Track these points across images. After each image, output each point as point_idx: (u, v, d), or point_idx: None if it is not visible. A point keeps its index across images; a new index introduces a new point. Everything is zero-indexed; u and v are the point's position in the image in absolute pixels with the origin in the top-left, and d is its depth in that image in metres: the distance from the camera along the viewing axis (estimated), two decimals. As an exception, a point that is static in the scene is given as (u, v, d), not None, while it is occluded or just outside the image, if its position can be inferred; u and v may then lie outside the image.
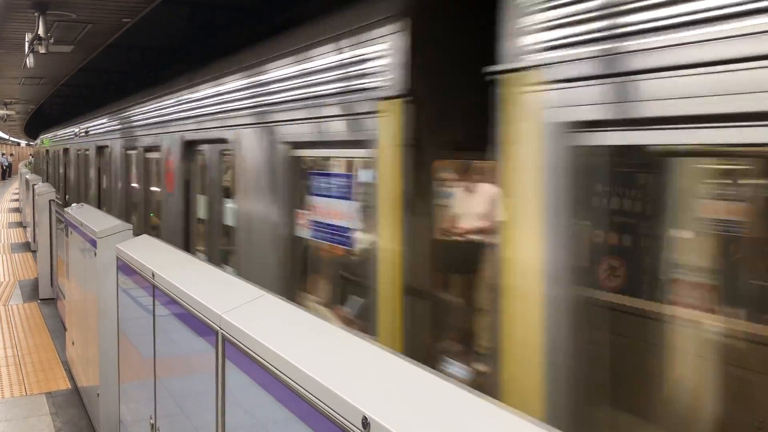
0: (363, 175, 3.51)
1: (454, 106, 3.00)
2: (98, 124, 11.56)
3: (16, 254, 14.40)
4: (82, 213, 6.10)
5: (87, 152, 12.67)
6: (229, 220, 5.21)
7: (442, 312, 3.27)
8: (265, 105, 4.47)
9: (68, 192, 15.33)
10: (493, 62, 2.21)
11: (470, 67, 2.37)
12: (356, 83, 3.34)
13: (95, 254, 4.96)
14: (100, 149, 11.21)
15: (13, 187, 35.78)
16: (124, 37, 8.69)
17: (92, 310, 5.11)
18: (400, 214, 2.94)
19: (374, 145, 3.11)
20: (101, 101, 12.81)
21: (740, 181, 2.39)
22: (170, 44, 10.08)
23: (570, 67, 1.97)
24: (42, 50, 7.18)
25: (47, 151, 22.30)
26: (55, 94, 17.82)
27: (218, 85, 5.46)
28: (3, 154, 53.90)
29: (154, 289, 3.44)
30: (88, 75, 13.22)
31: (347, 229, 3.64)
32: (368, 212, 3.32)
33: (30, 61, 8.09)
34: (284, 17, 5.39)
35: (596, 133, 1.90)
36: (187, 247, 6.16)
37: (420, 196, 2.97)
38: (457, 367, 2.96)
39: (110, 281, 4.55)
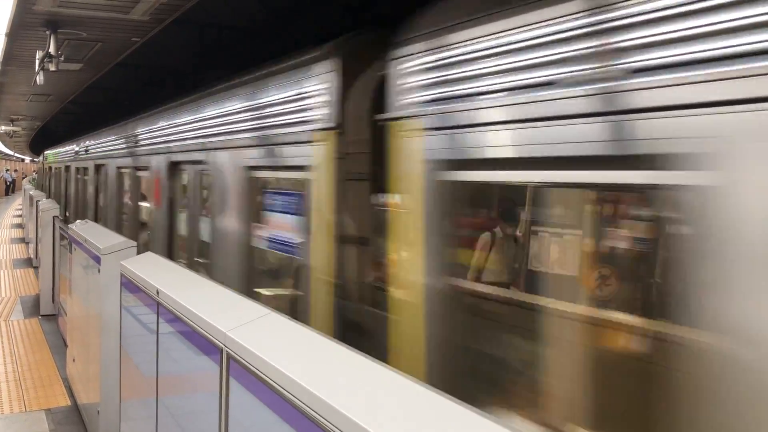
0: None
1: None
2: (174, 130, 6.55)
3: (18, 270, 14.40)
4: (86, 229, 6.12)
5: (139, 171, 7.95)
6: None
7: None
8: None
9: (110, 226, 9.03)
10: None
11: None
12: None
13: (99, 271, 4.97)
14: (175, 166, 6.50)
15: (17, 203, 35.89)
16: (132, 56, 8.79)
17: (94, 326, 5.11)
18: None
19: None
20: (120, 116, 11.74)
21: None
22: (178, 64, 10.19)
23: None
24: (52, 68, 7.27)
25: (65, 168, 16.26)
26: (62, 112, 17.96)
27: None
28: (7, 170, 54.16)
29: (158, 306, 3.44)
30: (95, 93, 13.35)
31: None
32: None
33: (40, 78, 8.19)
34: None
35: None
36: None
37: None
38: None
39: (113, 298, 4.55)
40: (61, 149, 17.93)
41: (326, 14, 6.64)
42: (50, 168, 22.10)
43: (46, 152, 24.09)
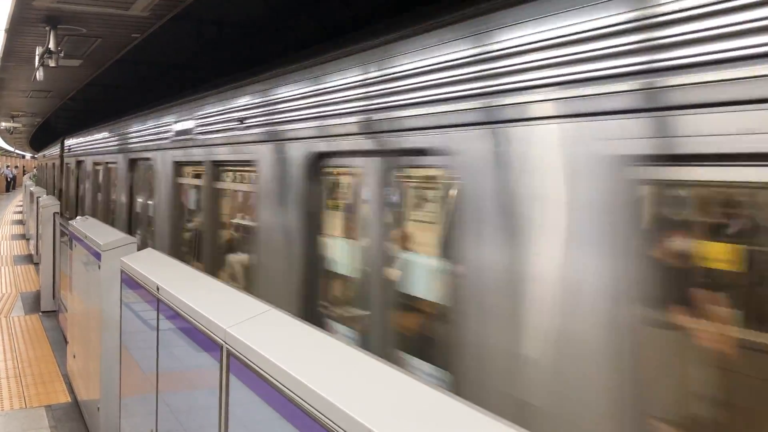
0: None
1: None
2: None
3: (18, 266, 14.41)
4: (86, 226, 6.11)
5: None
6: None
7: None
8: None
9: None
10: None
11: None
12: None
13: (99, 267, 4.97)
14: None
15: (17, 199, 35.90)
16: (132, 53, 8.78)
17: (95, 323, 5.11)
18: None
19: None
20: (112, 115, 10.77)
21: None
22: (178, 60, 10.18)
23: None
24: (52, 64, 7.26)
25: (131, 163, 8.74)
26: (62, 108, 17.96)
27: None
28: (8, 167, 54.19)
29: (158, 302, 3.44)
30: (95, 89, 13.33)
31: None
32: None
33: (40, 74, 8.18)
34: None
35: None
36: None
37: None
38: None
39: (114, 294, 4.55)
40: (121, 129, 9.43)
41: (326, 11, 6.62)
42: (78, 165, 13.08)
43: (69, 141, 14.51)
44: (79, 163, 13.02)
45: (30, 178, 36.25)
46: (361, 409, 1.64)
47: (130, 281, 4.10)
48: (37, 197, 13.20)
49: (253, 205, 4.74)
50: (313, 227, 3.93)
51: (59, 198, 14.19)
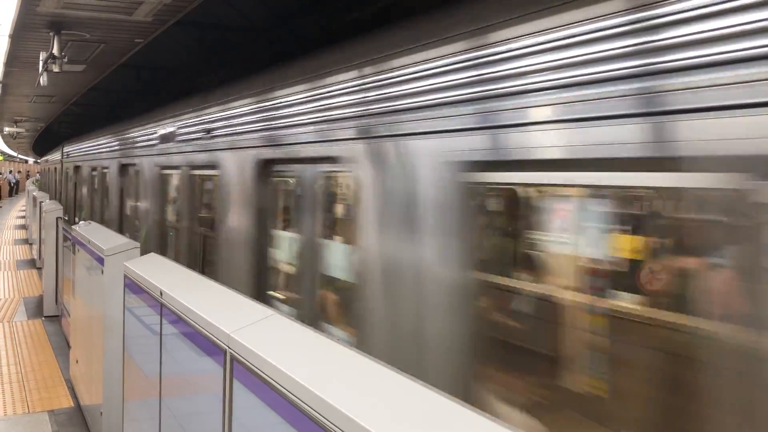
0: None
1: None
2: None
3: (21, 271, 14.42)
4: (89, 231, 6.12)
5: None
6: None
7: None
8: None
9: None
10: None
11: None
12: None
13: (102, 272, 4.97)
14: None
15: (20, 204, 35.98)
16: (135, 58, 8.81)
17: (97, 328, 5.11)
18: None
19: None
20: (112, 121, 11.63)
21: None
22: (180, 65, 10.20)
23: None
24: (55, 69, 7.28)
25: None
26: (65, 113, 18.00)
27: None
28: (11, 171, 54.32)
29: (161, 307, 3.44)
30: (98, 94, 13.37)
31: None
32: None
33: (44, 79, 8.20)
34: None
35: None
36: None
37: None
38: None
39: (117, 299, 4.55)
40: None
41: (328, 15, 6.64)
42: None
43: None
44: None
45: (33, 182, 36.33)
46: (365, 414, 1.64)
47: (133, 286, 4.10)
48: (40, 202, 13.23)
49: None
50: None
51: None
